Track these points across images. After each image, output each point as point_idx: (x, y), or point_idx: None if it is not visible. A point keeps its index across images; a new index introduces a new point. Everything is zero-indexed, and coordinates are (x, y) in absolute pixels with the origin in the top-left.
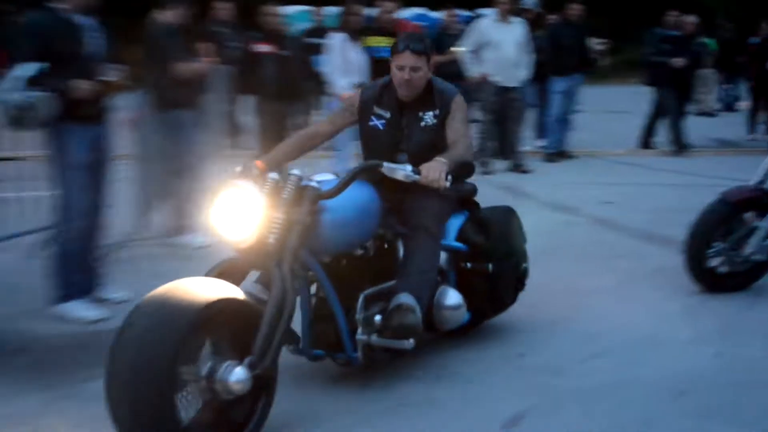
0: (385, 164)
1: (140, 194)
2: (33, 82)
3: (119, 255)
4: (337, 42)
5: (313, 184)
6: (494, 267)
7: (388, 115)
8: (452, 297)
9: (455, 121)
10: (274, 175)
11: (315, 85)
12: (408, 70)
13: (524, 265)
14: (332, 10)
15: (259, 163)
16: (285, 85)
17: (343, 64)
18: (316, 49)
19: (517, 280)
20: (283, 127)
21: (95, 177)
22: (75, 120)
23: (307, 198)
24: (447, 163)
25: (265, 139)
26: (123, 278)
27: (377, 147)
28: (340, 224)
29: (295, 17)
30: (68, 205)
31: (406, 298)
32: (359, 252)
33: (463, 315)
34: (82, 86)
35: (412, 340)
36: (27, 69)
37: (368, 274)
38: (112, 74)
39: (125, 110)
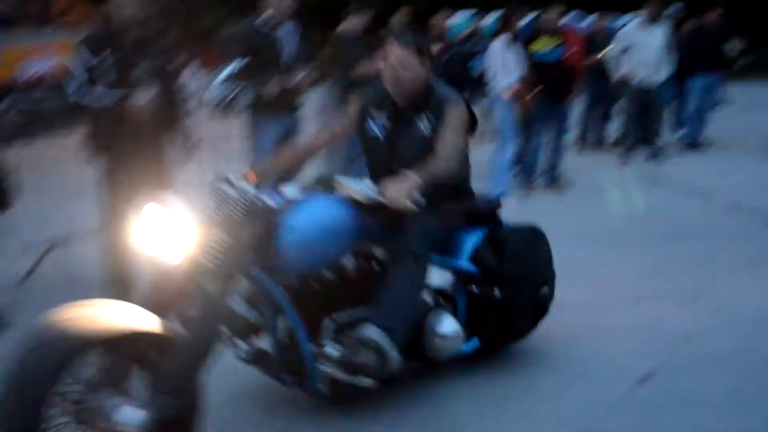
0: (342, 180)
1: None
2: (235, 79)
3: None
4: (498, 44)
5: (267, 198)
6: (504, 293)
7: (385, 120)
8: (447, 324)
9: (446, 129)
10: (224, 188)
11: (476, 85)
12: (393, 63)
13: (544, 290)
14: (492, 16)
15: (249, 173)
16: (451, 84)
17: (503, 65)
18: (474, 53)
19: (536, 306)
20: None
21: None
22: (267, 111)
23: (256, 214)
24: (417, 180)
25: None
26: None
27: (374, 156)
28: (299, 244)
29: (457, 24)
30: None
31: (370, 332)
32: (331, 274)
33: (459, 344)
34: (273, 86)
35: (371, 380)
36: (231, 68)
37: (346, 298)
38: (301, 75)
39: (314, 102)
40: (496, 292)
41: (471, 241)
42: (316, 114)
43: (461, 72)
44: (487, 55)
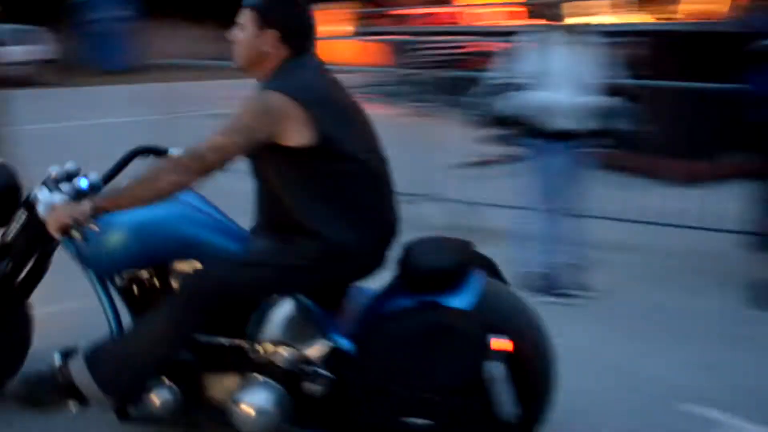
0: (38, 191)
1: None
2: None
3: None
4: None
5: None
6: (356, 390)
7: None
8: (256, 396)
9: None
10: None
11: None
12: (235, 29)
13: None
14: None
15: None
16: None
17: None
18: None
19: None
20: None
21: None
22: None
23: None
24: (95, 204)
25: None
26: None
27: None
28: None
29: None
30: None
31: (74, 362)
32: (125, 280)
33: (265, 424)
34: None
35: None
36: None
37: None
38: None
39: None
40: (352, 387)
41: (377, 310)
42: None
43: None
44: None
